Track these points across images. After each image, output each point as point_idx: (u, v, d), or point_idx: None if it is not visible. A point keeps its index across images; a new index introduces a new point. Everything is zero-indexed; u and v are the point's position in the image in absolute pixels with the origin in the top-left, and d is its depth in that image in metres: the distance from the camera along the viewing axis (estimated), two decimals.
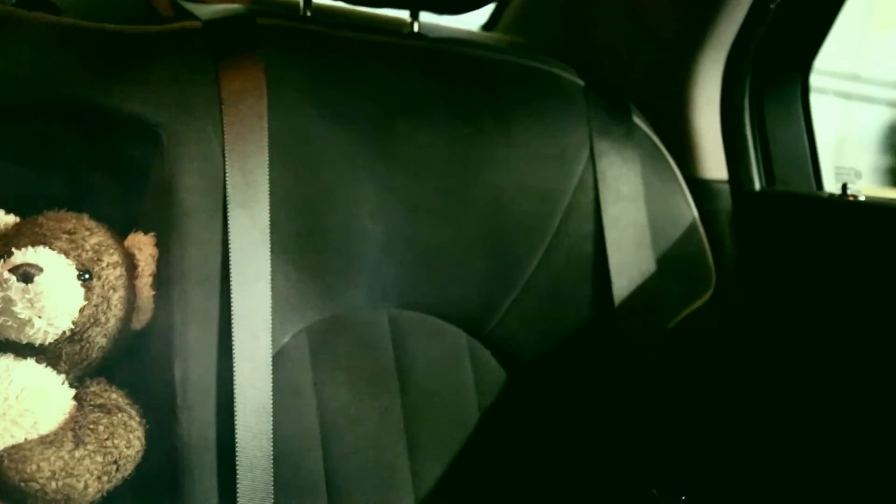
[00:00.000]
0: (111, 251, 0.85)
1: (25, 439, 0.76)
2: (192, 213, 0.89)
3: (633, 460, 1.04)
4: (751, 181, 1.23)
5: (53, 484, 0.72)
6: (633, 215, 1.12)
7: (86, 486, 0.74)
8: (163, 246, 0.89)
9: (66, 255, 0.81)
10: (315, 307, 0.98)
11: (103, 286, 0.83)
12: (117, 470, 0.78)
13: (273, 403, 0.88)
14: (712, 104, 1.23)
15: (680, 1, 1.21)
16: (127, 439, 0.79)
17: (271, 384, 0.88)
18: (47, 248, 0.81)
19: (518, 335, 1.07)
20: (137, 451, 0.80)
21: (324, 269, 0.98)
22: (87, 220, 0.86)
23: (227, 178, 0.91)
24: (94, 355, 0.84)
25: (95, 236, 0.85)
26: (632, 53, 1.29)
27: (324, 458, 0.94)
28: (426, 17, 1.19)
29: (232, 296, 0.88)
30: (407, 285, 1.03)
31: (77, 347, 0.82)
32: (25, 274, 0.76)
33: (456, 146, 1.06)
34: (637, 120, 1.17)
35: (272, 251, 0.92)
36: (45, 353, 0.81)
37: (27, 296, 0.76)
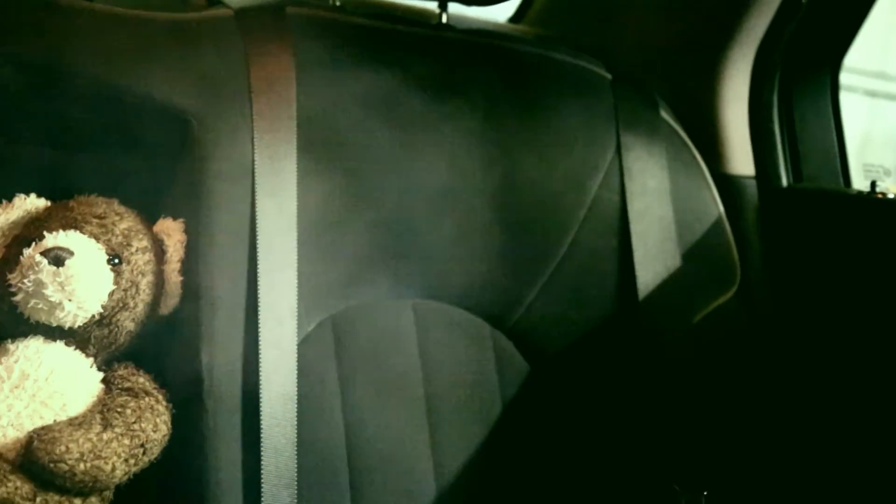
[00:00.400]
0: (140, 236, 0.86)
1: (55, 421, 0.76)
2: (221, 199, 0.90)
3: (655, 455, 1.04)
4: (778, 177, 1.22)
5: (82, 465, 0.72)
6: (658, 210, 1.12)
7: (113, 469, 0.75)
8: (191, 232, 0.89)
9: (97, 239, 0.82)
10: (340, 296, 0.99)
11: (132, 271, 0.84)
12: (144, 453, 0.78)
13: (297, 391, 0.88)
14: (741, 99, 1.22)
15: None
16: (154, 423, 0.80)
17: (296, 371, 0.89)
18: (78, 232, 0.81)
19: (542, 327, 1.07)
20: (164, 435, 0.81)
21: (349, 259, 0.99)
22: (117, 206, 0.87)
23: (255, 166, 0.91)
24: (121, 339, 0.84)
25: (125, 221, 0.85)
26: (660, 47, 1.28)
27: (346, 446, 0.95)
28: (455, 8, 1.19)
29: (259, 283, 0.88)
30: (431, 276, 1.04)
31: (105, 331, 0.82)
32: (57, 257, 0.77)
33: (482, 138, 1.06)
34: (664, 114, 1.17)
35: (298, 239, 0.92)
36: (75, 337, 0.81)
37: (58, 279, 0.77)
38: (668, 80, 1.24)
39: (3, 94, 0.91)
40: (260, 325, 0.87)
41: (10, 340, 0.81)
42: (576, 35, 1.39)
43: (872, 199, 1.10)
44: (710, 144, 1.22)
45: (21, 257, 0.79)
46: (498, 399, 1.04)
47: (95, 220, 0.83)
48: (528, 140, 1.08)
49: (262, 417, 0.85)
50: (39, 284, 0.77)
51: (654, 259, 1.10)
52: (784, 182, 1.22)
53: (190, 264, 0.88)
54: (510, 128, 1.08)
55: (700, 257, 1.13)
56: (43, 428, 0.74)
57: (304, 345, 0.93)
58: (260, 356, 0.86)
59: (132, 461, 0.77)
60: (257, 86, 0.94)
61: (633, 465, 1.05)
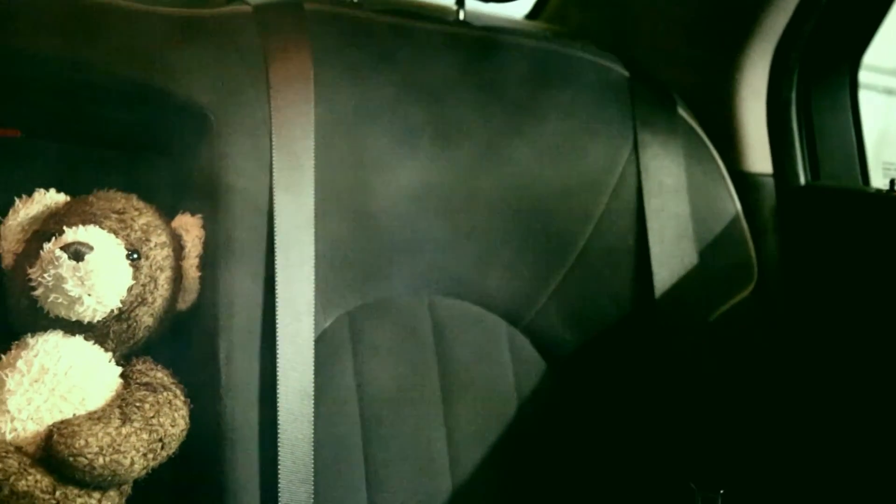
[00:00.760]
0: (159, 232, 0.86)
1: (74, 415, 0.77)
2: (239, 195, 0.90)
3: (672, 453, 1.04)
4: (796, 175, 1.21)
5: (101, 459, 0.73)
6: (675, 207, 1.11)
7: (132, 463, 0.75)
8: (209, 227, 0.90)
9: (116, 234, 0.82)
10: (356, 292, 0.99)
11: (151, 266, 0.84)
12: (162, 448, 0.79)
13: (314, 386, 0.88)
14: (759, 97, 1.21)
15: None
16: (172, 418, 0.80)
17: (313, 367, 0.89)
18: (97, 227, 0.82)
19: (558, 325, 1.07)
20: (182, 430, 0.81)
21: (366, 255, 0.99)
22: (135, 201, 0.88)
23: (273, 162, 0.91)
24: (140, 334, 0.85)
25: (144, 217, 0.86)
26: (678, 44, 1.28)
27: (363, 442, 0.95)
28: (472, 4, 1.19)
29: (276, 279, 0.88)
30: (447, 272, 1.04)
31: (124, 326, 0.83)
32: (77, 252, 0.77)
33: (499, 134, 1.06)
34: (681, 111, 1.16)
35: (315, 235, 0.93)
36: (93, 331, 0.82)
37: (77, 273, 0.77)
38: (685, 77, 1.24)
39: (23, 90, 0.92)
40: (278, 321, 0.87)
41: (29, 335, 0.82)
42: (592, 32, 1.38)
43: (891, 198, 1.09)
44: (728, 142, 1.21)
45: (41, 252, 0.79)
46: (514, 396, 1.04)
47: (115, 216, 0.84)
48: (544, 137, 1.08)
49: (279, 413, 0.85)
50: (59, 279, 0.77)
51: (670, 257, 1.09)
52: (802, 180, 1.21)
53: (208, 260, 0.89)
54: (527, 125, 1.08)
55: (717, 255, 1.12)
56: (62, 422, 0.75)
57: (320, 340, 0.93)
58: (277, 352, 0.87)
59: (150, 455, 0.77)
60: (276, 82, 0.94)
61: (648, 463, 1.05)
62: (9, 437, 0.74)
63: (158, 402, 0.80)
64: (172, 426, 0.80)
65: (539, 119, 1.08)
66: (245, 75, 0.94)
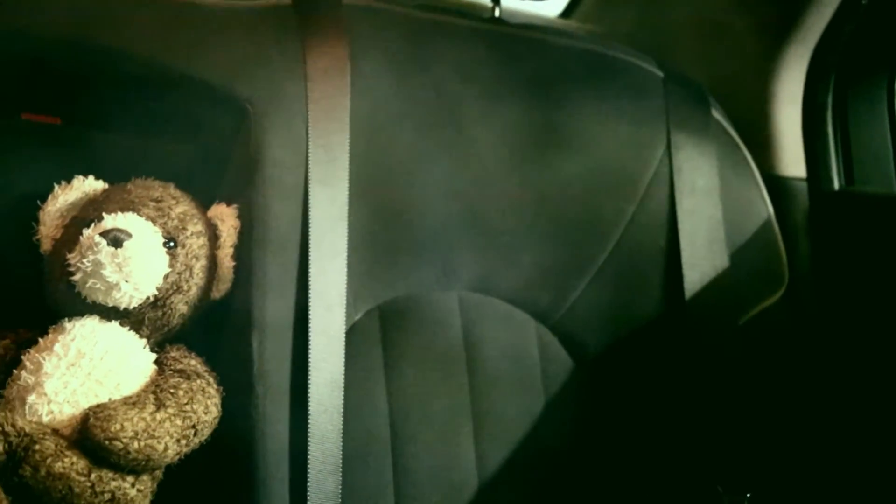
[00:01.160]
0: (195, 220, 0.87)
1: (109, 399, 0.78)
2: (275, 187, 0.90)
3: (699, 456, 1.03)
4: (830, 180, 1.21)
5: (136, 444, 0.73)
6: (707, 209, 1.11)
7: (165, 448, 0.76)
8: (244, 218, 0.90)
9: (153, 222, 0.83)
10: (387, 285, 0.99)
11: (187, 254, 0.85)
12: (195, 434, 0.79)
13: (344, 378, 0.89)
14: (794, 100, 1.21)
15: None
16: (205, 405, 0.80)
17: (344, 359, 0.89)
18: (135, 214, 0.83)
19: (587, 324, 1.07)
20: (214, 418, 0.82)
21: (397, 248, 0.99)
22: (173, 189, 0.88)
23: (309, 155, 0.92)
24: (174, 322, 0.85)
25: (181, 205, 0.87)
26: (712, 46, 1.27)
27: (391, 436, 0.95)
28: (507, 2, 1.19)
29: (309, 270, 0.89)
30: (478, 268, 1.04)
31: (159, 313, 0.83)
32: (115, 239, 0.78)
33: (532, 132, 1.06)
34: (716, 113, 1.16)
35: (348, 228, 0.93)
36: (129, 317, 0.82)
37: (116, 260, 0.78)
38: (720, 79, 1.23)
39: (63, 78, 0.93)
40: (310, 312, 0.88)
41: (66, 319, 0.82)
42: (625, 32, 1.38)
43: None
44: (762, 145, 1.20)
45: (80, 238, 0.80)
46: (541, 394, 1.04)
47: (152, 203, 0.85)
48: (577, 136, 1.08)
49: (309, 404, 0.86)
50: (98, 265, 0.78)
51: (701, 259, 1.09)
52: (836, 185, 1.21)
53: (242, 250, 0.89)
54: (560, 123, 1.08)
55: (748, 258, 1.12)
56: (98, 406, 0.76)
57: (351, 333, 0.94)
58: (309, 343, 0.87)
59: (183, 442, 0.78)
60: (313, 75, 0.95)
61: (675, 465, 1.04)
62: (45, 419, 0.75)
63: (192, 390, 0.80)
64: (205, 413, 0.80)
65: (573, 118, 1.08)
66: (284, 68, 0.94)
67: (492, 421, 1.00)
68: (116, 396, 0.78)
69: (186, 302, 0.85)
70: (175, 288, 0.84)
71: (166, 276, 0.83)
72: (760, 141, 1.20)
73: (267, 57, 0.94)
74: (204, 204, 0.91)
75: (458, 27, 1.09)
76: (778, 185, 1.19)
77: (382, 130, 0.99)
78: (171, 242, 0.84)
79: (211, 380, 0.84)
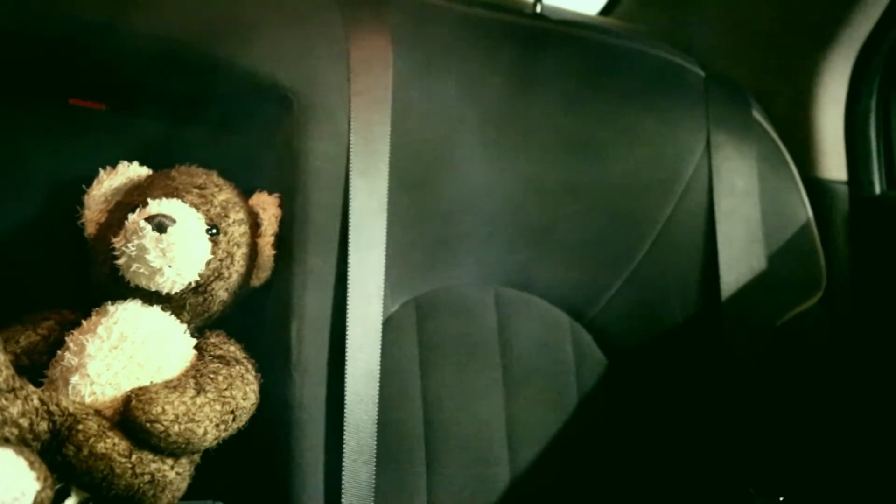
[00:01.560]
0: (237, 208, 0.88)
1: (150, 382, 0.78)
2: (317, 177, 0.91)
3: (731, 457, 1.03)
4: (871, 184, 1.19)
5: (176, 427, 0.74)
6: (746, 210, 1.10)
7: (205, 433, 0.76)
8: (286, 207, 0.91)
9: (197, 208, 0.84)
10: (424, 278, 1.00)
11: (228, 242, 0.85)
12: (233, 420, 0.80)
13: (380, 369, 0.89)
14: (837, 103, 1.19)
15: None
16: (244, 391, 0.81)
17: (380, 350, 0.90)
18: (179, 200, 0.83)
19: (621, 322, 1.07)
20: (252, 404, 0.82)
21: (435, 242, 1.00)
22: (216, 177, 0.89)
23: (350, 146, 0.92)
24: (215, 308, 0.86)
25: (223, 193, 0.87)
26: (754, 47, 1.26)
27: (424, 428, 0.96)
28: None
29: (349, 261, 0.89)
30: (514, 264, 1.04)
31: (200, 299, 0.84)
32: (160, 224, 0.79)
33: (571, 129, 1.06)
34: (756, 115, 1.15)
35: (387, 220, 0.93)
36: (171, 302, 0.83)
37: (160, 245, 0.79)
38: (761, 80, 1.22)
39: (110, 64, 0.94)
40: (348, 303, 0.88)
41: (109, 302, 0.83)
42: (666, 30, 1.37)
43: None
44: (803, 147, 1.19)
45: (125, 222, 0.81)
46: (574, 390, 1.04)
47: (196, 190, 0.85)
48: (616, 134, 1.08)
49: (346, 393, 0.86)
50: (142, 249, 0.79)
51: (739, 260, 1.08)
52: (877, 189, 1.20)
53: (283, 238, 0.90)
54: (599, 120, 1.07)
55: (786, 261, 1.11)
56: (140, 388, 0.76)
57: (387, 324, 0.94)
58: (347, 333, 0.87)
59: (222, 427, 0.78)
60: (356, 67, 0.95)
61: (708, 465, 1.04)
62: (88, 399, 0.76)
63: (231, 375, 0.81)
64: (244, 399, 0.81)
65: (611, 115, 1.08)
66: (327, 59, 0.95)
67: (525, 416, 1.01)
68: (157, 380, 0.79)
69: (227, 289, 0.86)
70: (216, 275, 0.84)
71: (208, 263, 0.83)
72: (801, 143, 1.19)
73: (310, 47, 0.95)
74: (245, 192, 0.91)
75: (499, 22, 1.09)
76: (818, 188, 1.18)
77: (423, 124, 0.99)
78: (214, 229, 0.84)
79: (249, 366, 0.84)
